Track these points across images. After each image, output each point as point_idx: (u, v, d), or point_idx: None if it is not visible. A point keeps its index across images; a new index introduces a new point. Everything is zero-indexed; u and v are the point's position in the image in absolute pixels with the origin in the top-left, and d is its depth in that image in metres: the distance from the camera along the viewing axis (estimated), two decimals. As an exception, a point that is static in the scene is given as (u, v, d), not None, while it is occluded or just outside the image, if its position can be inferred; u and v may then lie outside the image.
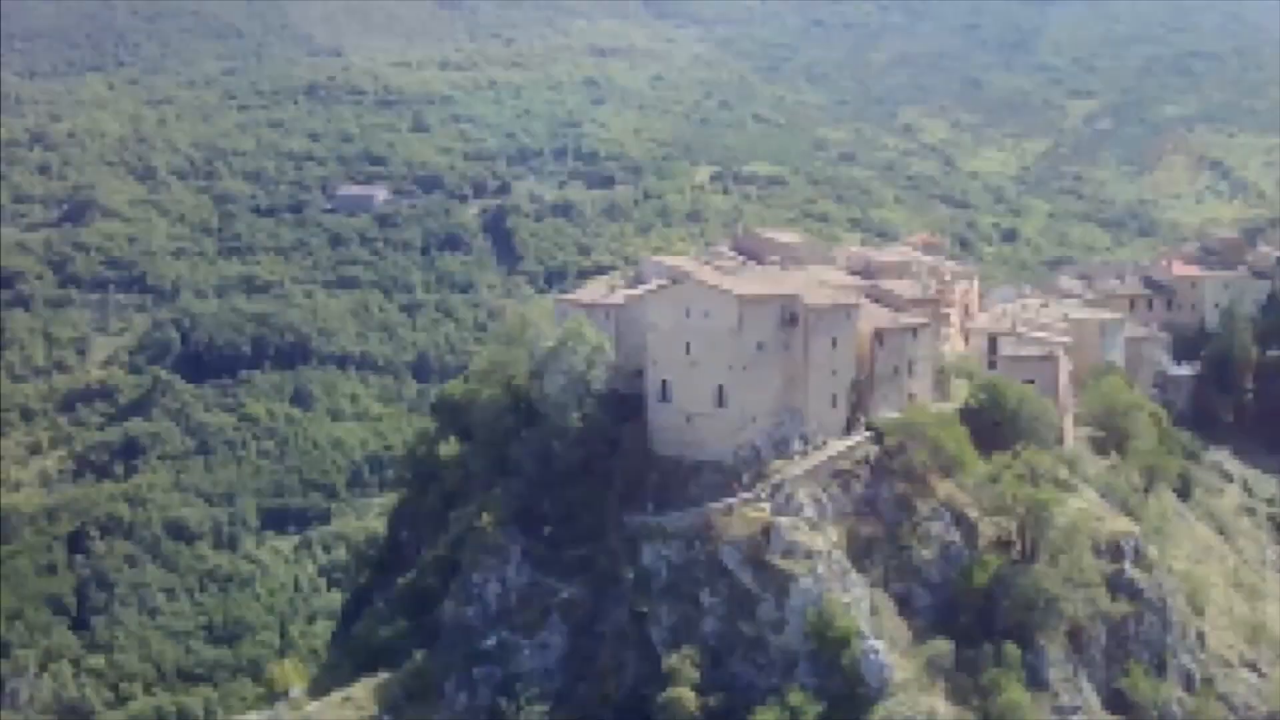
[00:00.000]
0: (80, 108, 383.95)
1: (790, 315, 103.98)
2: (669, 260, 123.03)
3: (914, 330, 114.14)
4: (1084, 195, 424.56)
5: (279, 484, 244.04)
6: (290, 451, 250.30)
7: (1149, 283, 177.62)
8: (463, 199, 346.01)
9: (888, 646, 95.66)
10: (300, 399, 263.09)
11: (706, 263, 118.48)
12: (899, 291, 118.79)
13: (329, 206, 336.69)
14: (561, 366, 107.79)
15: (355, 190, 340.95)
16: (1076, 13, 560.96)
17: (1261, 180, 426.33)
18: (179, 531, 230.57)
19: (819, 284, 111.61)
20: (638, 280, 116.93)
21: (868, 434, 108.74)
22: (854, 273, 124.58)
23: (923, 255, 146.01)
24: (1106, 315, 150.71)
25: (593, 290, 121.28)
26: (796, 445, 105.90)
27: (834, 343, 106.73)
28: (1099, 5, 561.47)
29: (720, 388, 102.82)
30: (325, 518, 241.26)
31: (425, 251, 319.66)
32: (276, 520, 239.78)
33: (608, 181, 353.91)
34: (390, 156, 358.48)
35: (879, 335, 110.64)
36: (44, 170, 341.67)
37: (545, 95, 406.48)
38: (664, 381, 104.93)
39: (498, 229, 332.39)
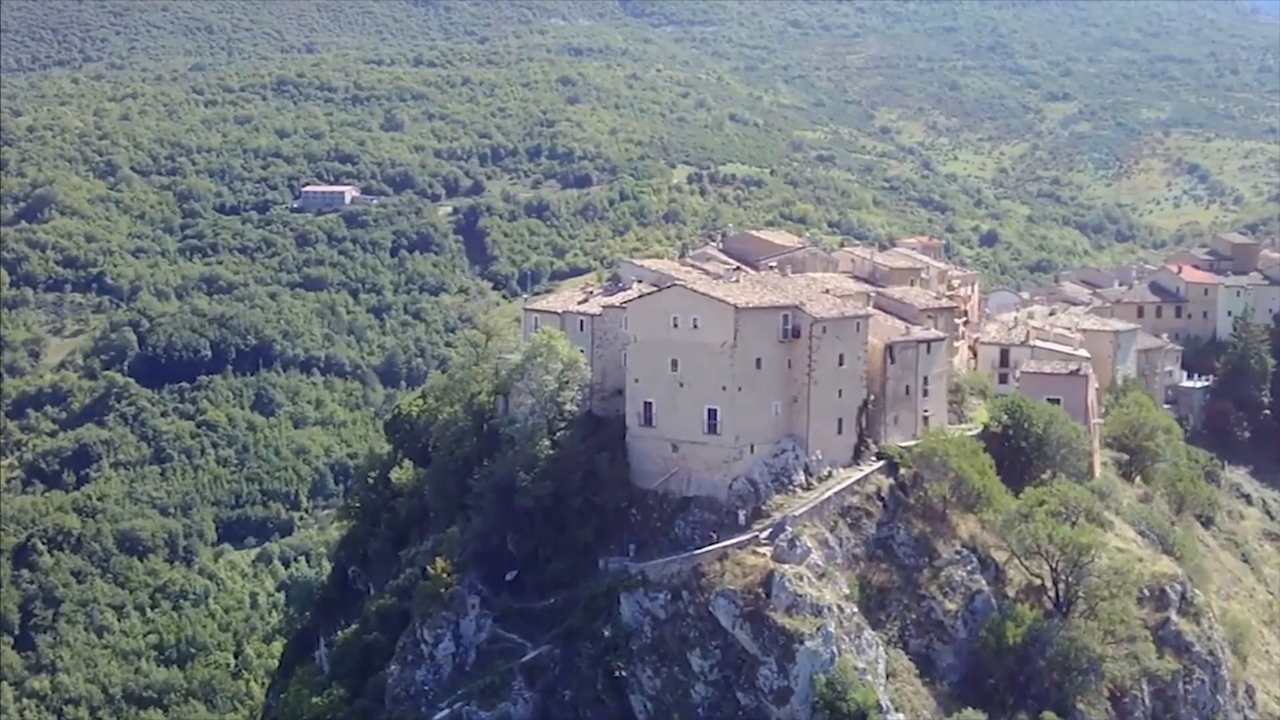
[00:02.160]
0: (42, 103, 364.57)
1: (792, 328, 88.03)
2: (652, 264, 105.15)
3: (928, 344, 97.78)
4: (1062, 199, 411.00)
5: (238, 494, 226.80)
6: (250, 459, 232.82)
7: (1157, 289, 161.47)
8: (434, 199, 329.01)
9: (910, 719, 79.52)
10: (262, 404, 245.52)
11: (694, 267, 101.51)
12: (909, 300, 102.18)
13: (296, 205, 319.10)
14: (529, 385, 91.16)
15: (324, 189, 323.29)
16: (1052, 17, 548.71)
17: (1238, 184, 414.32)
18: (131, 544, 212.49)
19: (823, 292, 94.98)
20: (616, 286, 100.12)
21: (879, 464, 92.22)
22: (859, 279, 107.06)
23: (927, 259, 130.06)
24: (1121, 325, 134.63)
25: (565, 297, 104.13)
26: (799, 478, 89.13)
27: (841, 359, 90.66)
28: (1074, 10, 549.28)
29: (712, 412, 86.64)
30: (287, 529, 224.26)
31: (395, 252, 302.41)
32: (234, 532, 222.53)
33: (583, 181, 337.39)
34: (360, 155, 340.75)
35: (890, 350, 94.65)
36: (1, 166, 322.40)
37: (520, 94, 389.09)
38: (647, 404, 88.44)
39: (469, 229, 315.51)
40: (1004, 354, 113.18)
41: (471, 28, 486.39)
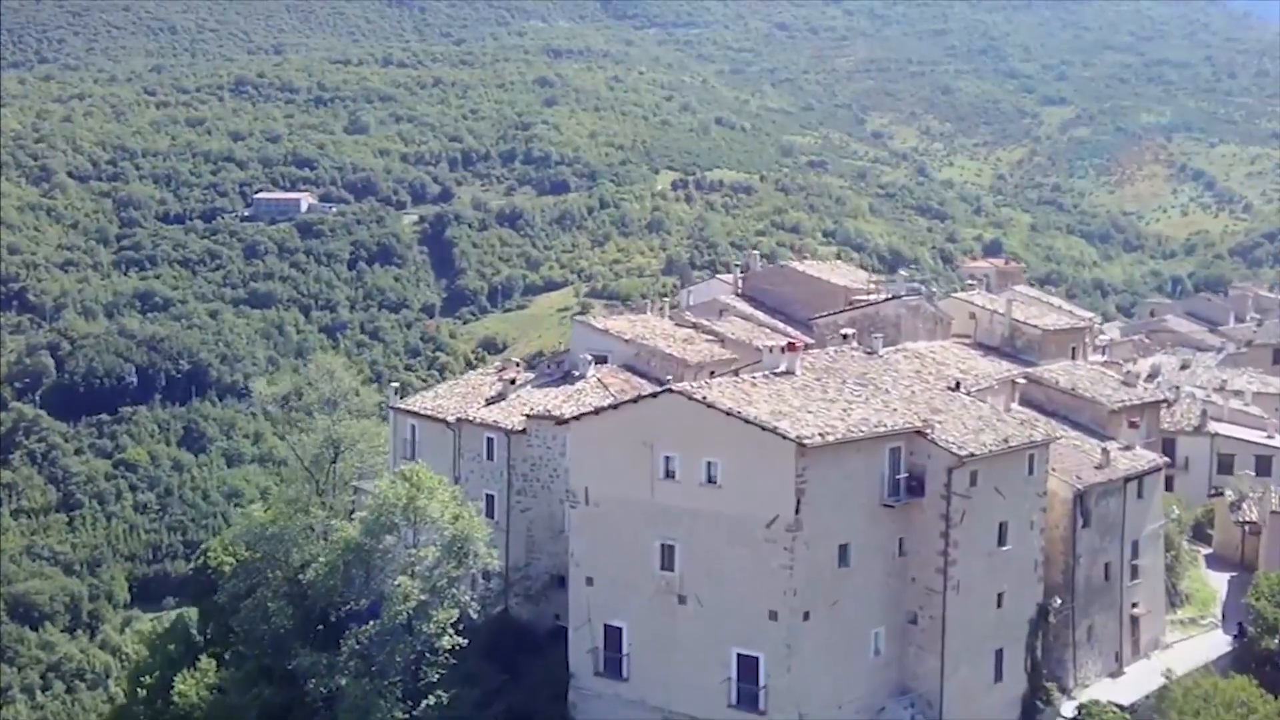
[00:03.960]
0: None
1: (910, 477, 47.82)
2: (625, 327, 61.30)
3: (1140, 480, 57.10)
4: (1064, 206, 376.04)
5: (156, 546, 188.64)
6: (174, 505, 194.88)
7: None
8: (398, 206, 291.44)
9: None
10: (191, 439, 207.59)
11: (697, 329, 61.88)
12: (1090, 392, 59.39)
13: (247, 213, 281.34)
14: (395, 565, 52.25)
15: (278, 196, 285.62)
16: (1043, 19, 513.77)
17: (1246, 191, 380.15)
18: (24, 611, 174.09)
19: (954, 389, 53.59)
20: (558, 369, 59.96)
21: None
22: (985, 348, 64.50)
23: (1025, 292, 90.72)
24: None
25: (468, 387, 61.72)
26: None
27: (1003, 532, 50.02)
28: (1065, 13, 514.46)
29: (749, 662, 45.35)
30: (211, 589, 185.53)
31: (353, 264, 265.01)
32: (151, 591, 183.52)
33: (560, 188, 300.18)
34: (320, 159, 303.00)
35: (1082, 502, 53.13)
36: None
37: (494, 95, 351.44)
38: (610, 632, 48.40)
39: (436, 239, 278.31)
40: (1167, 445, 73.08)
41: (447, 29, 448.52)
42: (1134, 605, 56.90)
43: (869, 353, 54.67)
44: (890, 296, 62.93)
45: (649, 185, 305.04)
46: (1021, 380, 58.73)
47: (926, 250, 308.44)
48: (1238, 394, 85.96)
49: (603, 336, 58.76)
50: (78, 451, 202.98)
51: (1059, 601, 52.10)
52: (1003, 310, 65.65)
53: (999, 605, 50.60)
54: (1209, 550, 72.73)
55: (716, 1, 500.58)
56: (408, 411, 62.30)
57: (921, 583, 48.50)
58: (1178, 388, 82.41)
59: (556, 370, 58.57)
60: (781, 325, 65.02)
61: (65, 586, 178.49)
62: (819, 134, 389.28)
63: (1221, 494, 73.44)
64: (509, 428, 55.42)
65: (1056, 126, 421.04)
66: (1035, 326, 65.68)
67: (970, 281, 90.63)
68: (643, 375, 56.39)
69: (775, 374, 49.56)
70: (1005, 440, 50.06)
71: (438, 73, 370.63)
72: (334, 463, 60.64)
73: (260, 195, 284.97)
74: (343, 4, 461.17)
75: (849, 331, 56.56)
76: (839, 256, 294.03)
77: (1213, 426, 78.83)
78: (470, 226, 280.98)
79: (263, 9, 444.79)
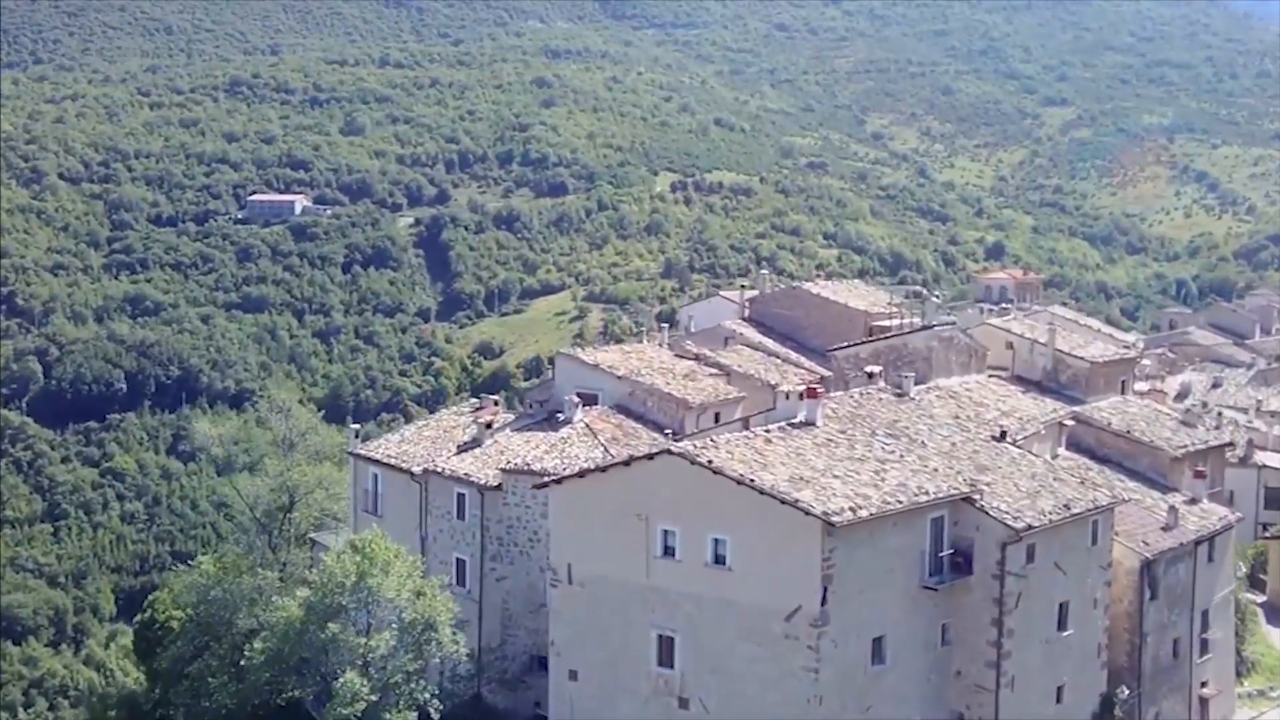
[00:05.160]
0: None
1: (953, 552, 40.03)
2: (616, 360, 52.18)
3: (1210, 542, 49.42)
4: (1067, 208, 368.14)
5: (144, 557, 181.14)
6: (162, 515, 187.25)
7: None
8: (394, 209, 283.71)
9: None
10: (180, 448, 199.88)
11: (698, 360, 53.82)
12: (1147, 435, 52.29)
13: (240, 216, 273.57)
14: (343, 655, 43.68)
15: (272, 198, 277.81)
16: (1043, 20, 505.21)
17: (1249, 193, 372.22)
18: (8, 625, 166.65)
19: (991, 441, 44.95)
20: (540, 411, 51.22)
21: None
22: (1024, 382, 55.19)
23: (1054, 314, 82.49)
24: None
25: (435, 433, 52.23)
26: None
27: (1063, 614, 42.48)
28: (1065, 14, 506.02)
29: None
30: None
31: (347, 268, 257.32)
32: (137, 604, 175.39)
33: (557, 190, 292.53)
34: (315, 160, 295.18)
35: (1149, 571, 45.60)
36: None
37: (491, 96, 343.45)
38: None
39: (432, 242, 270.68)
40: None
41: (445, 29, 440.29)
42: (1203, 684, 49.27)
43: (899, 394, 46.47)
44: (921, 326, 54.23)
45: (648, 187, 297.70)
46: (1069, 422, 50.76)
47: (928, 253, 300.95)
48: (1275, 415, 78.94)
49: (592, 372, 50.71)
50: (64, 460, 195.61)
51: (1125, 692, 44.36)
52: (1044, 340, 57.25)
53: (1058, 700, 42.75)
54: (1263, 598, 65.09)
55: (715, 2, 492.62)
56: (369, 459, 54.15)
57: (969, 678, 40.54)
58: (1219, 414, 74.69)
59: (540, 410, 50.70)
60: (794, 356, 57.13)
61: (50, 599, 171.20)
62: (819, 135, 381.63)
63: (1274, 535, 65.89)
64: (483, 482, 47.36)
65: (1057, 128, 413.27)
66: (1081, 358, 57.05)
67: (1004, 307, 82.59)
68: (638, 418, 48.76)
69: (793, 424, 41.55)
70: (1066, 506, 42.11)
71: (435, 73, 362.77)
72: (289, 513, 53.16)
73: (254, 197, 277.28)
74: (340, 4, 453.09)
75: (874, 369, 48.33)
76: (839, 260, 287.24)
77: (1259, 457, 71.38)
78: (467, 229, 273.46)
79: (259, 9, 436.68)
